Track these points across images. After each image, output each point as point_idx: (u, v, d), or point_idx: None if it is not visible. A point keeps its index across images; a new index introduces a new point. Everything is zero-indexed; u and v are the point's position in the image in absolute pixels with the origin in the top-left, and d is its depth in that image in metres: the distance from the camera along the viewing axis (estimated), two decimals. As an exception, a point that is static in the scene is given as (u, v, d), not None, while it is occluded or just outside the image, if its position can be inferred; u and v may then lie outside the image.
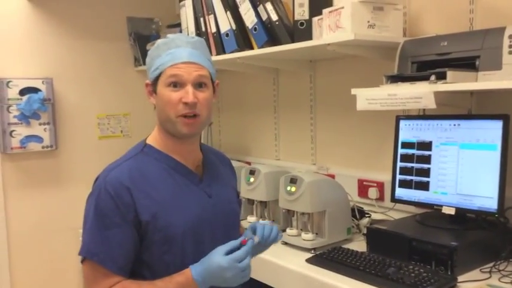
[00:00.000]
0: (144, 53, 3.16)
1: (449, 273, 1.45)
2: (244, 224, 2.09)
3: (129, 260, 1.23)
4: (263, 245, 1.34)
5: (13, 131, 2.78)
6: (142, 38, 3.17)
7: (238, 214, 1.49)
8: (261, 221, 1.42)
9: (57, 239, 2.96)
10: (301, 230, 1.86)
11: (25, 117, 2.80)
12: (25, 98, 2.79)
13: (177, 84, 1.24)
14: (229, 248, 1.22)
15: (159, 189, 1.26)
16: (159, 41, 1.31)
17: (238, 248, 1.23)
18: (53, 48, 2.96)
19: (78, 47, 3.05)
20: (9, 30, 2.81)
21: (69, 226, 2.94)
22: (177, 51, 1.26)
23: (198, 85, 1.26)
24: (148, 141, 1.34)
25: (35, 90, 2.83)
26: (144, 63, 3.35)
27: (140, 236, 1.23)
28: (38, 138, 2.86)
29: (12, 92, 2.78)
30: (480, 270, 1.50)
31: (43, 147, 2.88)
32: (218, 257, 1.19)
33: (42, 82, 2.87)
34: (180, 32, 2.70)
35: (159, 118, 1.30)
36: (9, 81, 2.77)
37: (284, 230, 1.91)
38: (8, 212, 2.85)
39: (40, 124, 2.86)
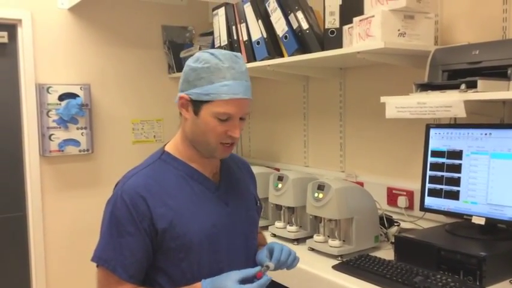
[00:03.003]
0: (177, 61, 3.24)
1: (477, 283, 1.43)
2: (272, 229, 2.12)
3: (140, 269, 1.24)
4: (278, 267, 1.32)
5: (52, 134, 2.90)
6: (176, 46, 3.26)
7: (257, 222, 1.45)
8: (280, 243, 1.37)
9: (90, 240, 3.03)
10: (328, 236, 1.87)
11: (63, 122, 2.92)
12: (64, 103, 2.91)
13: (226, 119, 1.23)
14: (243, 276, 1.21)
15: (176, 196, 1.25)
16: (210, 63, 1.22)
17: (252, 277, 1.22)
18: (91, 55, 3.08)
19: (115, 55, 3.16)
20: (50, 38, 2.94)
21: (103, 228, 3.02)
22: (232, 85, 1.21)
23: (242, 117, 1.27)
24: (167, 149, 1.33)
25: (73, 95, 2.95)
26: (178, 71, 3.46)
27: (157, 244, 1.23)
28: (76, 142, 2.97)
29: (52, 98, 2.90)
30: (510, 281, 1.47)
31: (80, 150, 2.99)
32: (231, 283, 1.18)
33: (80, 88, 2.98)
34: (213, 40, 2.76)
35: (193, 137, 1.28)
36: (49, 87, 2.89)
37: (311, 236, 1.92)
38: (45, 212, 2.96)
39: (78, 128, 2.98)
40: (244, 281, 1.20)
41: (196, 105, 1.23)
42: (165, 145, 1.36)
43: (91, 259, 1.25)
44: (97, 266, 1.25)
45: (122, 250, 1.21)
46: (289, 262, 1.34)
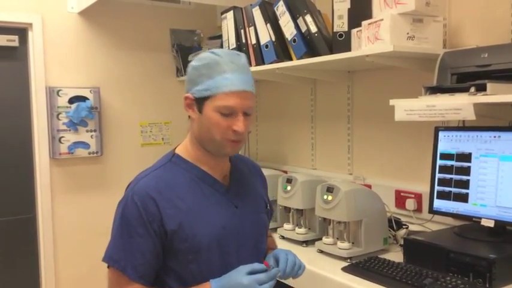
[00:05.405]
0: (186, 64, 3.25)
1: (487, 285, 1.44)
2: (281, 231, 2.13)
3: (150, 269, 1.25)
4: (283, 278, 1.33)
5: (62, 137, 2.93)
6: (184, 50, 3.28)
7: (267, 224, 1.46)
8: (285, 251, 1.38)
9: (100, 242, 3.06)
10: (337, 238, 1.88)
11: (73, 125, 2.95)
12: (74, 106, 2.94)
13: (229, 113, 1.24)
14: (251, 269, 1.22)
15: (185, 199, 1.26)
16: (210, 59, 1.26)
17: (261, 271, 1.23)
18: (100, 59, 3.11)
19: (124, 58, 3.19)
20: (60, 42, 2.97)
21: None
22: (232, 78, 1.23)
23: (247, 113, 1.27)
24: (177, 151, 1.35)
25: (83, 98, 2.98)
26: (186, 74, 3.47)
27: (166, 245, 1.25)
28: (85, 145, 3.00)
29: (62, 100, 2.93)
30: (520, 283, 1.47)
31: (89, 153, 3.02)
32: (240, 275, 1.21)
33: (90, 91, 3.01)
34: (221, 44, 2.78)
35: (200, 135, 1.29)
36: (59, 90, 2.92)
37: (320, 238, 1.93)
38: (55, 214, 2.99)
39: (87, 131, 3.00)
40: (252, 273, 1.21)
41: (200, 102, 1.25)
42: (176, 148, 1.37)
43: (102, 259, 1.27)
44: (108, 267, 1.27)
45: (132, 251, 1.23)
46: (294, 273, 1.33)
